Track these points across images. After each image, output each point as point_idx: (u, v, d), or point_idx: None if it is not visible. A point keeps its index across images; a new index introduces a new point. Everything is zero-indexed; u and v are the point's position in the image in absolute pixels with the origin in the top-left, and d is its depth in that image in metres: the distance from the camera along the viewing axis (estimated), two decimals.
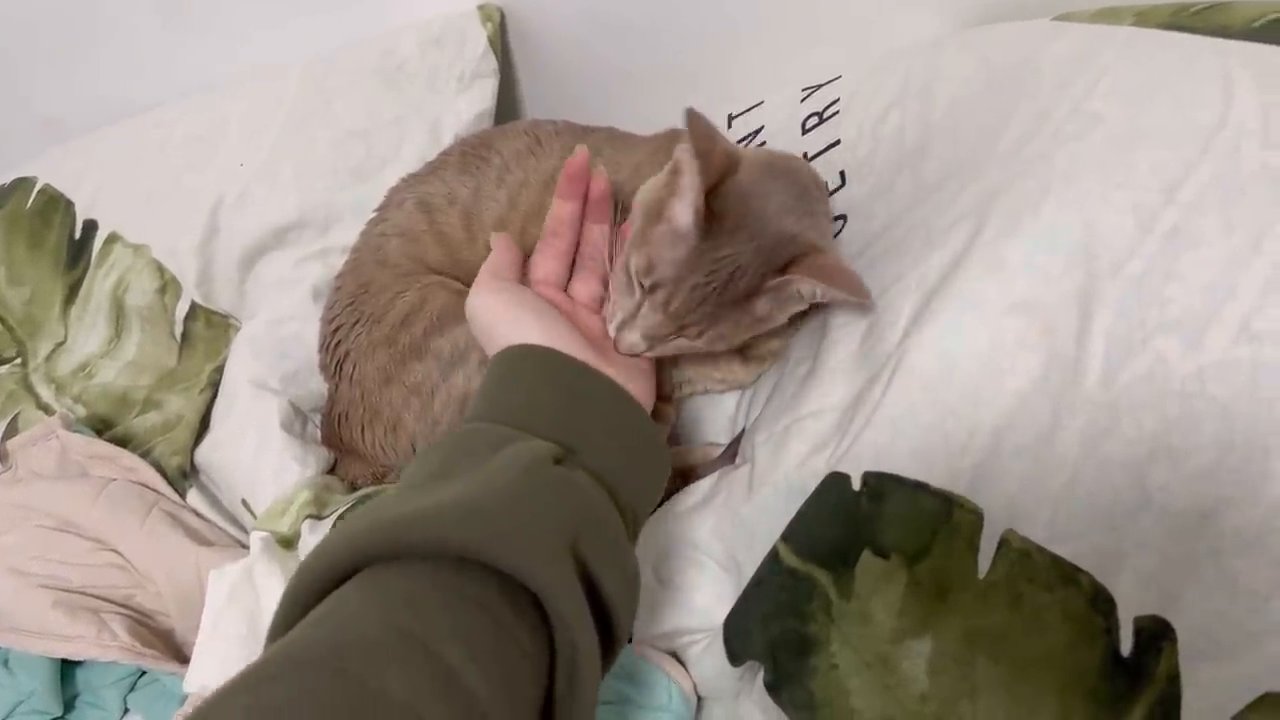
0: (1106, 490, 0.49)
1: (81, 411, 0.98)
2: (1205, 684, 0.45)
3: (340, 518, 0.72)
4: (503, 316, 0.62)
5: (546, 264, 0.69)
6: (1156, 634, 0.46)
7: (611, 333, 0.64)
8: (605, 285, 0.68)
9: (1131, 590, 0.47)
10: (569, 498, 0.50)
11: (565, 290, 0.69)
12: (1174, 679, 0.45)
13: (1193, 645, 0.45)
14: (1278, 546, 0.44)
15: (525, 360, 0.58)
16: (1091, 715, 0.48)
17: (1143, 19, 0.66)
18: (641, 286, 0.62)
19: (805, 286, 0.60)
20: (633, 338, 0.62)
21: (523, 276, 0.69)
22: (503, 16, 1.05)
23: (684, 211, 0.60)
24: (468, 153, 0.85)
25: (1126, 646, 0.47)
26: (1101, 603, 0.48)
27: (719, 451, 0.73)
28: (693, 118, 0.58)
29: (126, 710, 0.81)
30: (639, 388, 0.62)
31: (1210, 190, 0.52)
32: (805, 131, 0.85)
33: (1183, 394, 0.48)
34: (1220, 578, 0.45)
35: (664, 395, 0.72)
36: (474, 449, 0.52)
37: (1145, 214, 0.52)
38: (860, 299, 0.60)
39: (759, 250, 0.60)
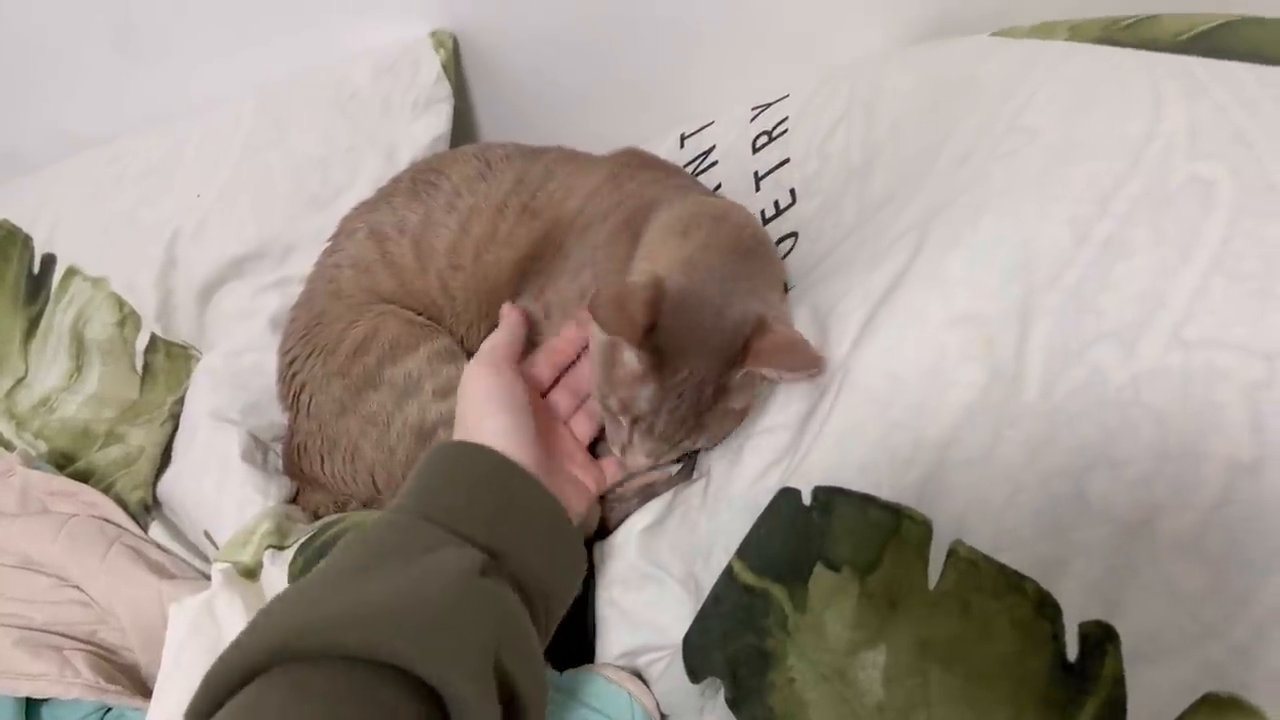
0: (1048, 500, 0.50)
1: (43, 447, 0.98)
2: (1148, 686, 0.45)
3: (301, 548, 0.72)
4: (480, 406, 0.63)
5: (541, 368, 0.73)
6: (1101, 639, 0.47)
7: (618, 455, 0.68)
8: (579, 407, 0.73)
9: (1076, 596, 0.48)
10: (494, 611, 0.51)
11: (545, 394, 0.73)
12: (1119, 682, 0.46)
13: (1135, 649, 0.46)
14: (1213, 551, 0.45)
15: (473, 462, 0.60)
16: (1042, 719, 0.49)
17: (1076, 33, 0.68)
18: (625, 421, 0.65)
19: (764, 372, 0.62)
20: (638, 459, 0.66)
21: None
22: (456, 43, 1.06)
23: (632, 360, 0.63)
24: (418, 178, 0.85)
25: (1073, 651, 0.48)
26: (1047, 609, 0.49)
27: (675, 469, 0.73)
28: (595, 307, 0.60)
29: None
30: (578, 501, 0.67)
31: (1141, 201, 0.53)
32: (756, 150, 0.86)
33: (1119, 403, 0.49)
34: (1160, 582, 0.46)
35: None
36: (402, 548, 0.53)
37: (1080, 226, 0.54)
38: (810, 372, 0.61)
39: (711, 356, 0.62)
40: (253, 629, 0.47)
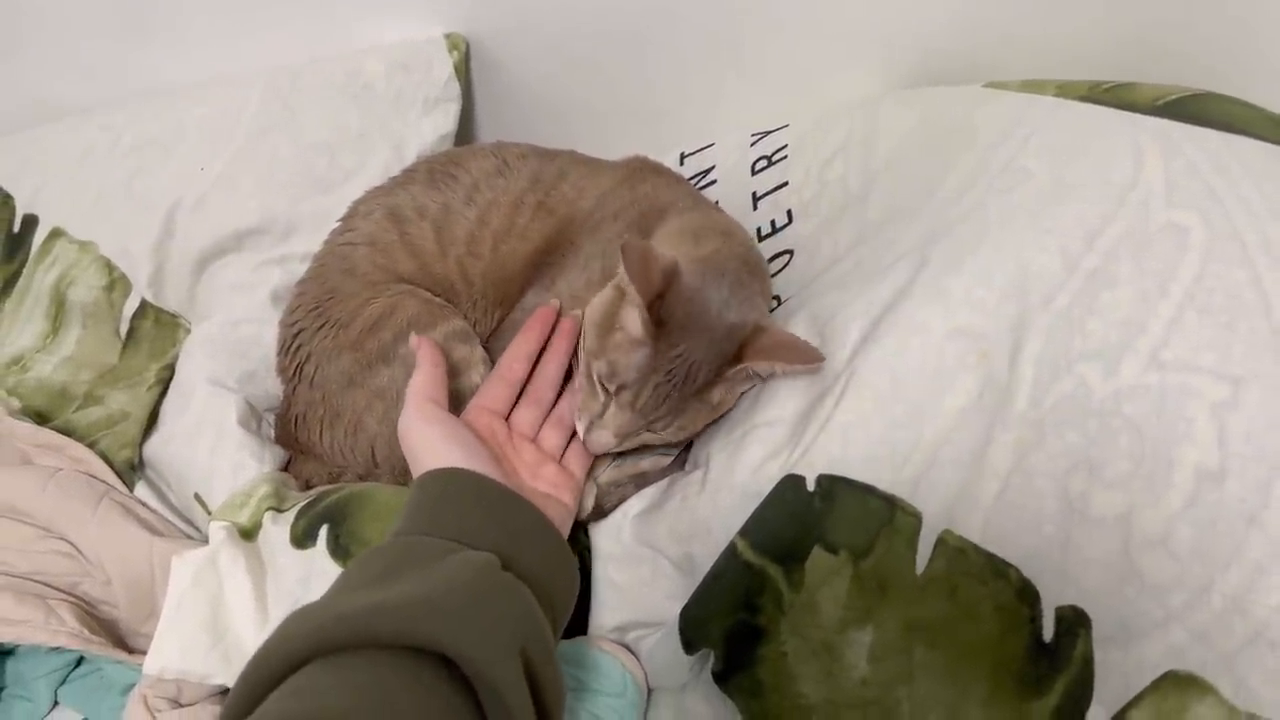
0: (1033, 498, 0.56)
1: (16, 404, 0.97)
2: (1114, 665, 0.51)
3: (302, 511, 0.73)
4: (433, 447, 0.64)
5: (495, 390, 0.75)
6: (1074, 622, 0.53)
7: (581, 433, 0.71)
8: (545, 417, 0.76)
9: (1053, 584, 0.54)
10: (518, 601, 0.53)
11: (508, 417, 0.75)
12: (1088, 661, 0.52)
13: (1104, 632, 0.52)
14: (1178, 546, 0.51)
15: (454, 481, 0.61)
16: (1017, 695, 0.54)
17: (1063, 91, 0.75)
18: (606, 390, 0.68)
19: (761, 367, 0.66)
20: (604, 436, 0.69)
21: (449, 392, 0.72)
22: (468, 46, 1.09)
23: (635, 320, 0.66)
24: (435, 170, 0.88)
25: (1048, 633, 0.53)
26: (1028, 595, 0.54)
27: (669, 460, 0.77)
28: (626, 249, 0.65)
29: (55, 703, 0.80)
30: (555, 512, 0.67)
31: (1124, 240, 0.60)
32: (755, 173, 0.92)
33: (1101, 413, 0.55)
34: (1130, 573, 0.52)
35: None
36: (419, 556, 0.54)
37: (1070, 257, 0.60)
38: (810, 365, 0.65)
39: (711, 343, 0.67)
40: (284, 630, 0.47)
